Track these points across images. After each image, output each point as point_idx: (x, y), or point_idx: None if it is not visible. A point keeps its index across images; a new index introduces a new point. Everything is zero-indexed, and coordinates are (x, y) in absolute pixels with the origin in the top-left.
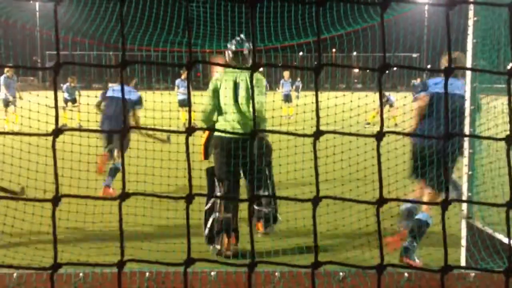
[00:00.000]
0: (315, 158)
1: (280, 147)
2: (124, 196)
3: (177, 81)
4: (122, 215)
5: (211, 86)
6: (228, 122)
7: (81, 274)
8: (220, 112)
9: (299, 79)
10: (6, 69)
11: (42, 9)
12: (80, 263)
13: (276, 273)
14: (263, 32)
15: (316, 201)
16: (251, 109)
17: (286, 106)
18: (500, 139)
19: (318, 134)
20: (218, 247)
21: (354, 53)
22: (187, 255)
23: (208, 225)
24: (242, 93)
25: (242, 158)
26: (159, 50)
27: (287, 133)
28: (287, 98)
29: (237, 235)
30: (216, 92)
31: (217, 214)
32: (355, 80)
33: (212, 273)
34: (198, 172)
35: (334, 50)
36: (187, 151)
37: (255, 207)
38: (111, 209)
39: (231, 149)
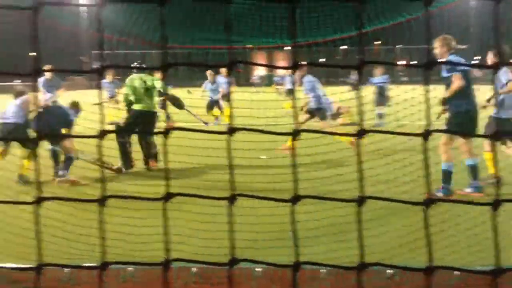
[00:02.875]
0: (359, 156)
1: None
2: (168, 196)
3: (218, 78)
4: (166, 215)
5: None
6: None
7: (129, 269)
8: None
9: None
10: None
11: (88, 11)
12: (127, 262)
13: (322, 270)
14: (304, 27)
15: (293, 201)
16: None
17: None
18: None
19: (361, 133)
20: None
21: (399, 46)
22: (231, 255)
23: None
24: None
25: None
26: (201, 48)
27: (332, 133)
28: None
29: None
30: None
31: None
32: (400, 73)
33: (257, 269)
34: (243, 169)
35: (377, 43)
36: (229, 151)
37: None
38: (154, 205)
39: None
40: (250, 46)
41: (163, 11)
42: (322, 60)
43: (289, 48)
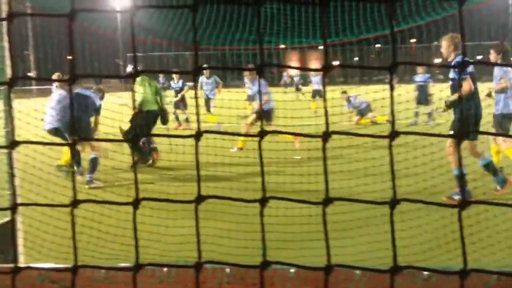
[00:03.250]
0: (391, 155)
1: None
2: (200, 199)
3: (246, 79)
4: (198, 218)
5: None
6: None
7: (165, 269)
8: None
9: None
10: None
11: (123, 15)
12: (161, 264)
13: (357, 272)
14: (338, 26)
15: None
16: None
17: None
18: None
19: (394, 134)
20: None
21: (435, 43)
22: (263, 257)
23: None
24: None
25: None
26: (234, 49)
27: (363, 135)
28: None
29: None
30: None
31: None
32: (437, 71)
33: (291, 270)
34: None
35: (413, 40)
36: (260, 153)
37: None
38: (188, 206)
39: None
40: (283, 46)
41: (195, 16)
42: (355, 59)
43: (322, 47)
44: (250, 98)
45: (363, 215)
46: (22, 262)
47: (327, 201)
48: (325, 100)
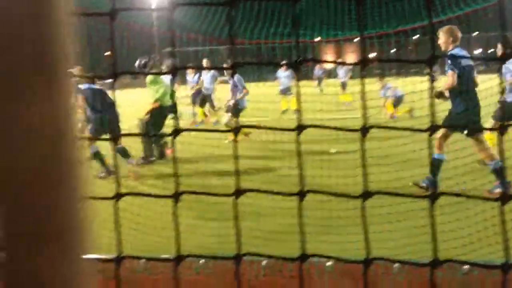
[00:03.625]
0: (430, 149)
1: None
2: (238, 193)
3: (279, 72)
4: (238, 211)
5: None
6: None
7: (202, 261)
8: None
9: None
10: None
11: (159, 11)
12: (200, 255)
13: (395, 265)
14: (374, 19)
15: (301, 194)
16: None
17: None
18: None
19: (434, 128)
20: None
21: (475, 33)
22: (301, 251)
23: None
24: None
25: None
26: (269, 43)
27: (406, 128)
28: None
29: None
30: None
31: None
32: (477, 62)
33: (328, 264)
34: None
35: None
36: (298, 147)
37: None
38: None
39: None
40: (319, 39)
41: (231, 13)
42: (392, 51)
43: (358, 39)
44: (283, 92)
45: (401, 209)
46: None
47: (366, 194)
48: (363, 93)
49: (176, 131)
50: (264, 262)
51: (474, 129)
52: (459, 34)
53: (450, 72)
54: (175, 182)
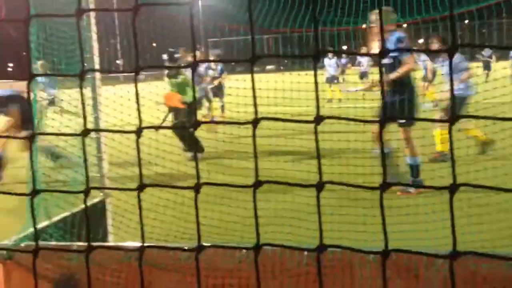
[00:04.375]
0: (450, 140)
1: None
2: (257, 184)
3: (325, 60)
4: (256, 202)
5: None
6: None
7: (244, 251)
8: None
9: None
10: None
11: (202, 1)
12: (226, 245)
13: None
14: (421, 3)
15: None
16: None
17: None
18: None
19: (454, 118)
20: None
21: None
22: (320, 241)
23: None
24: None
25: None
26: (311, 31)
27: (428, 119)
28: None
29: None
30: None
31: None
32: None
33: (371, 256)
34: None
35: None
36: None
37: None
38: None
39: None
40: (364, 26)
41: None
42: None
43: (405, 26)
44: (329, 80)
45: (419, 202)
46: (110, 241)
47: (384, 186)
48: (381, 81)
49: (197, 123)
50: (305, 252)
51: (408, 120)
52: (393, 16)
53: (409, 56)
54: (196, 174)
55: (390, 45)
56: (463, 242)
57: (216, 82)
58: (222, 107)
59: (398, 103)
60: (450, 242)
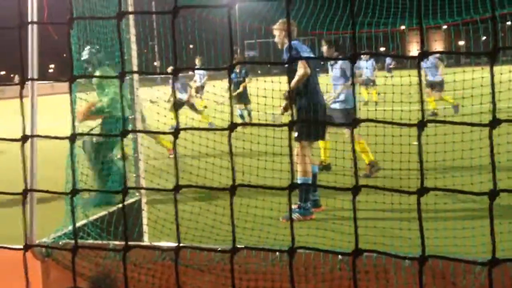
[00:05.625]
0: (491, 146)
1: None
2: (292, 187)
3: (361, 62)
4: (291, 204)
5: None
6: None
7: (277, 253)
8: None
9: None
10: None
11: (239, 4)
12: (259, 247)
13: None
14: (460, 5)
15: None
16: None
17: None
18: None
19: (495, 123)
20: None
21: None
22: (355, 246)
23: None
24: None
25: None
26: (348, 33)
27: (462, 123)
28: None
29: None
30: None
31: None
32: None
33: (407, 262)
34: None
35: None
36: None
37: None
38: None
39: None
40: (403, 28)
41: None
42: (483, 38)
43: (445, 27)
44: (365, 83)
45: (456, 207)
46: (145, 241)
47: (422, 190)
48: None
49: (234, 125)
50: (340, 256)
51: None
52: (293, 28)
53: (301, 62)
54: (232, 175)
55: (285, 54)
56: (502, 249)
57: (241, 87)
58: (249, 113)
59: (302, 112)
60: (487, 249)
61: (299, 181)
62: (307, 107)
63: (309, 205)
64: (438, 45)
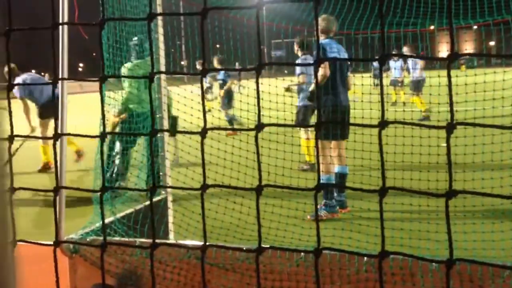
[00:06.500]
0: None
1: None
2: (318, 188)
3: (390, 63)
4: (317, 205)
5: None
6: None
7: (302, 254)
8: None
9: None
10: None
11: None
12: (285, 247)
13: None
14: (492, 5)
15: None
16: None
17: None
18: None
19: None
20: None
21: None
22: (381, 248)
23: None
24: None
25: None
26: (376, 33)
27: (490, 126)
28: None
29: None
30: None
31: None
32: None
33: (434, 265)
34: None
35: None
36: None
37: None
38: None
39: None
40: (432, 28)
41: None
42: None
43: (475, 28)
44: (393, 83)
45: (485, 210)
46: (171, 239)
47: (450, 193)
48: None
49: (260, 126)
50: (365, 258)
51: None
52: (332, 26)
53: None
54: (259, 175)
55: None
56: None
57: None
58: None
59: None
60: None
61: (322, 180)
62: (327, 107)
63: (335, 202)
64: (468, 46)
